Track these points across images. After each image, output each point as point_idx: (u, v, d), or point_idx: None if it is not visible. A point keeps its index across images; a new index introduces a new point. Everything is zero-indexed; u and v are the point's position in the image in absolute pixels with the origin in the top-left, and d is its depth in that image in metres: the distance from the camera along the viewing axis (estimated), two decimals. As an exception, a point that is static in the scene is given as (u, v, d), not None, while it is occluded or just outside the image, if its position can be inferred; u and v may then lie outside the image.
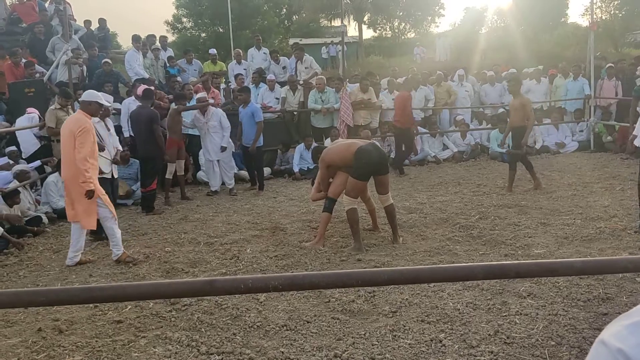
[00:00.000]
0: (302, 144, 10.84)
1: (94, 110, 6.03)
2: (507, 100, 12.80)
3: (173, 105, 9.32)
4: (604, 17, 30.52)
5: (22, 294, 1.50)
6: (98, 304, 4.65)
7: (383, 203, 6.23)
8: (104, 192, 5.97)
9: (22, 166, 7.89)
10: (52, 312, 4.58)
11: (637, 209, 6.42)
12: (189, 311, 4.46)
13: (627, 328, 0.79)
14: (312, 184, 6.91)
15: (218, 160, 9.43)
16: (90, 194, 5.65)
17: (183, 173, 9.39)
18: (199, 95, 9.61)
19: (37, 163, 8.58)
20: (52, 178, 8.19)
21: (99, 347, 3.92)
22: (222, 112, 9.55)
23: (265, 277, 1.40)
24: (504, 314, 4.10)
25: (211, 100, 9.87)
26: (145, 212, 8.23)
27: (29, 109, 9.06)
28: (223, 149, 9.29)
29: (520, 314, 4.08)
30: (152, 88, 9.26)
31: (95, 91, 6.28)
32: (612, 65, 12.47)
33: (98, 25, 14.19)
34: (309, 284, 1.42)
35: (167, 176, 8.89)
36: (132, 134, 9.06)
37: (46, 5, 13.19)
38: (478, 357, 3.49)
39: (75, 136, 5.62)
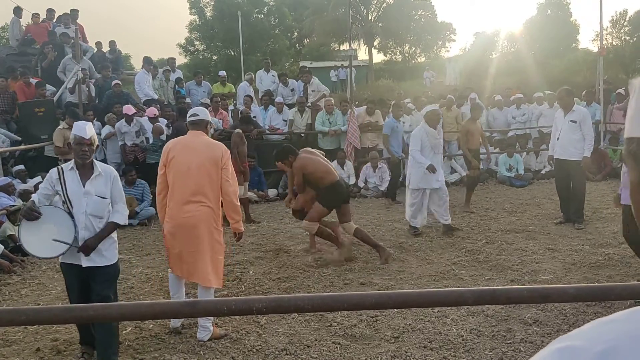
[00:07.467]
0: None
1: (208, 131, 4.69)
2: (514, 125, 12.81)
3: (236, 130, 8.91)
4: (614, 43, 30.61)
5: (2, 312, 1.47)
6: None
7: (349, 231, 6.39)
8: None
9: (26, 186, 7.93)
10: (51, 332, 4.55)
11: None
12: (188, 333, 4.41)
13: (555, 353, 0.71)
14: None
15: None
16: (241, 236, 4.79)
17: (246, 195, 8.89)
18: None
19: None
20: (59, 197, 8.20)
21: (96, 368, 3.87)
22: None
23: (249, 300, 1.36)
24: (509, 341, 4.01)
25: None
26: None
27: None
28: None
29: (525, 341, 3.99)
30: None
31: (205, 109, 4.97)
32: (622, 91, 12.40)
33: (109, 48, 14.37)
34: (294, 307, 1.38)
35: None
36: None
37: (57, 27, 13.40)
38: (480, 386, 3.41)
39: (221, 165, 4.32)
